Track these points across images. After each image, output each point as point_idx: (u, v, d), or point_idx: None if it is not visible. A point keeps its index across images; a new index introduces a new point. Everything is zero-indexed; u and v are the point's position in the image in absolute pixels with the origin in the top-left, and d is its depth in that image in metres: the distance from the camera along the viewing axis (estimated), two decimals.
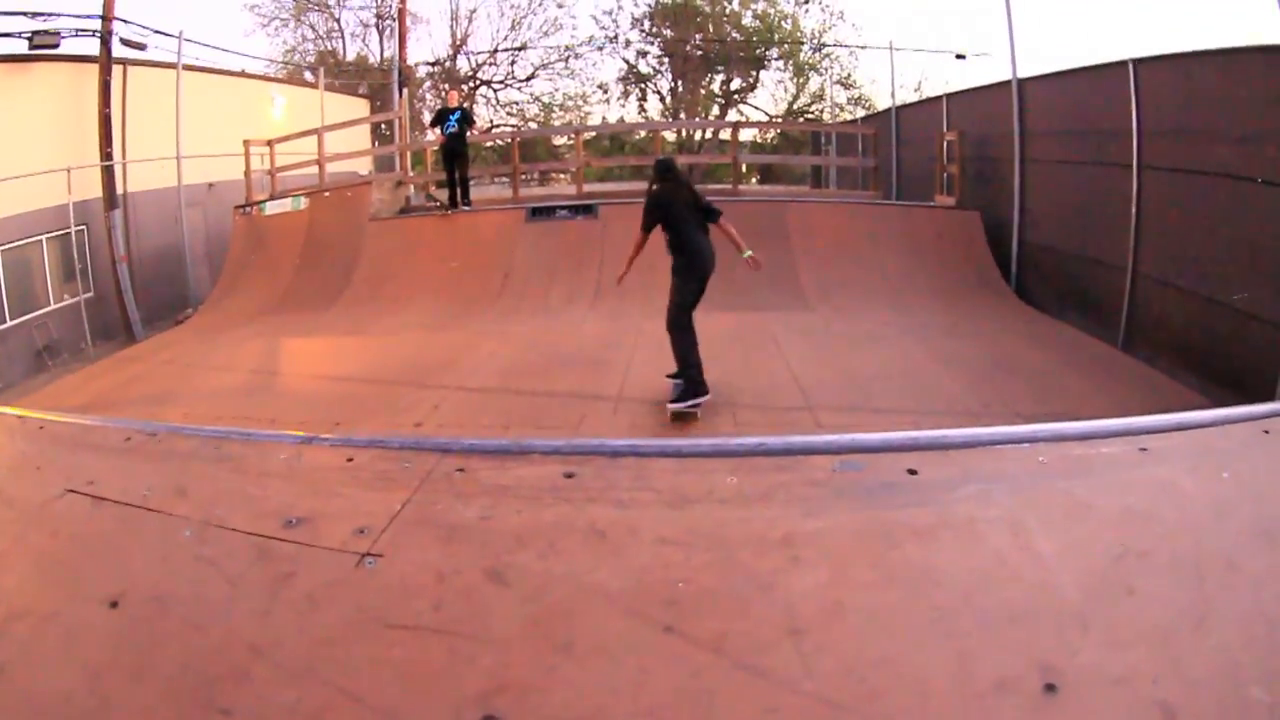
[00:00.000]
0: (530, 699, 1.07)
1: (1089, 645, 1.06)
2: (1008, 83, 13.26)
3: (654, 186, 7.00)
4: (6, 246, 15.14)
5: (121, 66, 17.68)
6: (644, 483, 1.45)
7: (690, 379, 6.64)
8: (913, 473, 1.39)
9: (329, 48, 38.45)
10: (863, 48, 32.84)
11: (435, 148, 15.24)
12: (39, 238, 15.90)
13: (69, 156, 16.05)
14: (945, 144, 14.93)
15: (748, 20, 36.06)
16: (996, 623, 1.08)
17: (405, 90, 25.87)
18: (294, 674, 1.10)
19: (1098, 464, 1.53)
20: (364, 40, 38.21)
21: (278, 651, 1.16)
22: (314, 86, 25.96)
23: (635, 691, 1.06)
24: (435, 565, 1.34)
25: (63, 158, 15.91)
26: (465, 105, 18.44)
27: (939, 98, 17.63)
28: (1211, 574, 1.20)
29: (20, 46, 15.93)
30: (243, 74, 24.45)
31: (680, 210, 6.79)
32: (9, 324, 15.16)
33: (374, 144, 27.38)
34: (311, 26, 38.40)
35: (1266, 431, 1.88)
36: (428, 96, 36.07)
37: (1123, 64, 10.10)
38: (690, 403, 6.58)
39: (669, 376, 6.93)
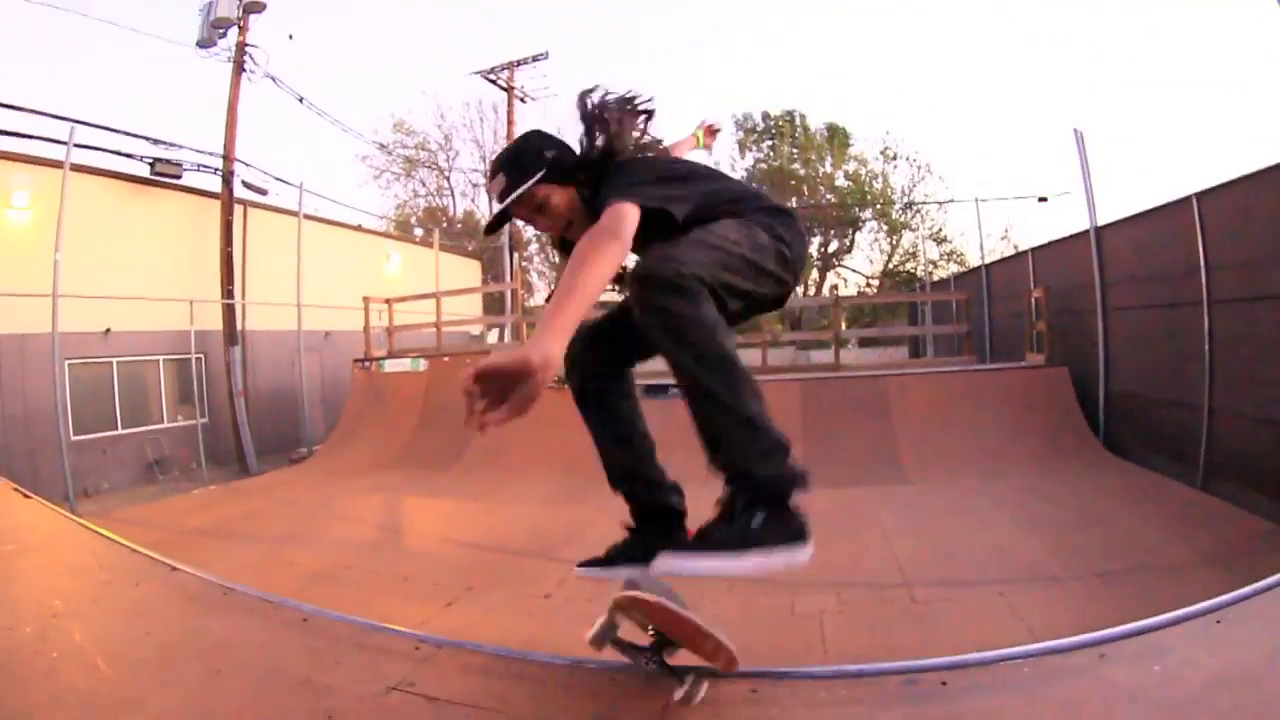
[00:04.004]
0: None
1: None
2: (1086, 232, 13.78)
3: None
4: (124, 359, 16.59)
5: (242, 206, 19.12)
6: (796, 694, 2.40)
7: None
8: (944, 684, 2.37)
9: (439, 204, 40.48)
10: (950, 201, 33.69)
11: None
12: (157, 358, 17.38)
13: (188, 282, 17.56)
14: (1033, 301, 15.34)
15: (840, 181, 37.37)
16: None
17: (515, 254, 27.41)
18: None
19: (1061, 670, 2.43)
20: (473, 199, 40.04)
21: None
22: (426, 244, 27.14)
23: None
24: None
25: (182, 282, 17.41)
26: None
27: (1024, 253, 18.25)
28: None
29: (141, 170, 17.49)
30: (359, 228, 25.90)
31: None
32: (121, 431, 16.55)
33: (485, 304, 28.68)
34: (422, 182, 40.55)
35: (1219, 621, 2.58)
36: (535, 258, 37.79)
37: (1186, 200, 10.48)
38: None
39: None
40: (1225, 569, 6.75)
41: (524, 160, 2.72)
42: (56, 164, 14.69)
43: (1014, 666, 2.46)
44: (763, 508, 2.35)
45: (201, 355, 18.18)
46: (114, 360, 16.76)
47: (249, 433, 18.45)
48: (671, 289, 2.23)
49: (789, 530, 2.38)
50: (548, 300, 2.24)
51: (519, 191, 2.67)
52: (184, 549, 8.41)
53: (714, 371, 2.29)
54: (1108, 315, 13.29)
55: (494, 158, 2.91)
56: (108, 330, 16.40)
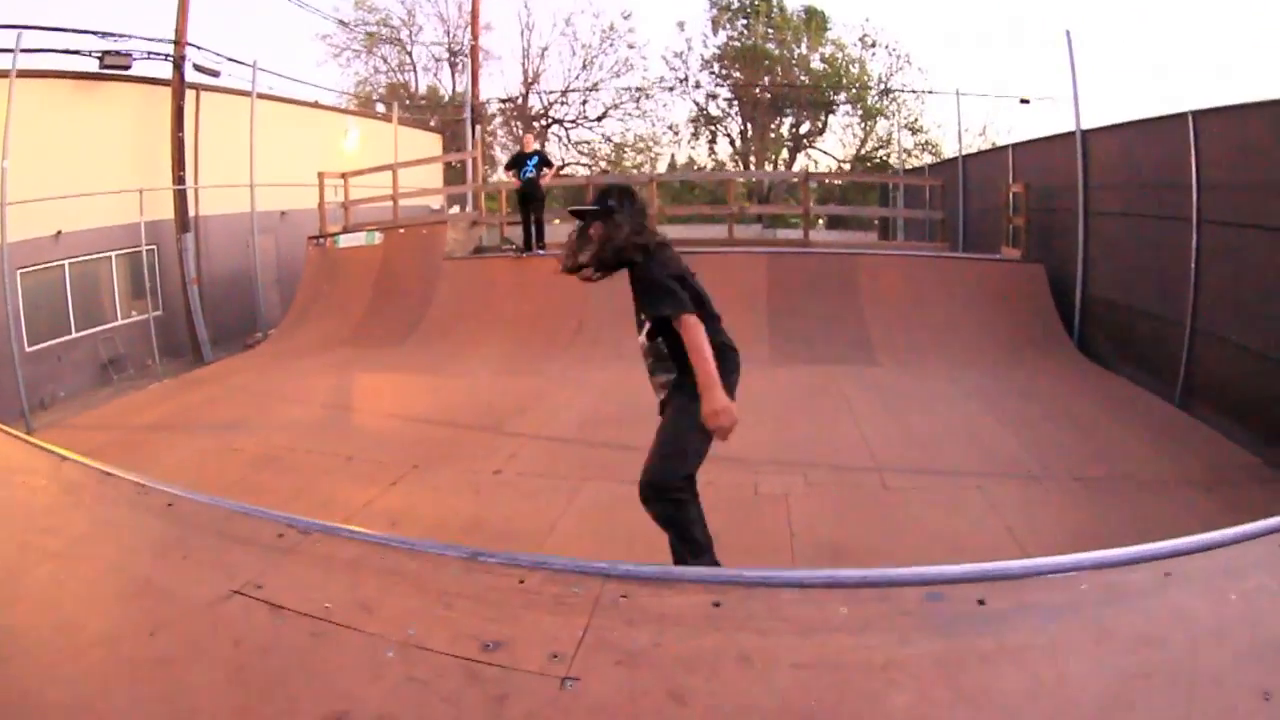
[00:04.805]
0: None
1: None
2: (1072, 134, 13.32)
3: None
4: (75, 260, 15.73)
5: (194, 91, 18.20)
6: (776, 613, 1.80)
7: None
8: (981, 603, 1.77)
9: (401, 80, 39.33)
10: (929, 92, 33.01)
11: (510, 189, 15.55)
12: (108, 254, 16.54)
13: (140, 175, 16.53)
14: (1012, 195, 14.97)
15: (816, 64, 36.46)
16: None
17: (478, 127, 26.52)
18: None
19: (1126, 591, 1.90)
20: (435, 74, 38.93)
21: None
22: (386, 119, 26.30)
23: None
24: (625, 687, 1.62)
25: (133, 176, 16.39)
26: (541, 148, 18.96)
27: (1005, 148, 17.66)
28: (1199, 691, 1.56)
29: (90, 65, 16.29)
30: (316, 105, 25.05)
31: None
32: (75, 335, 15.76)
33: (445, 179, 27.97)
34: (383, 58, 39.27)
35: None
36: (499, 133, 36.85)
37: (1182, 116, 10.08)
38: None
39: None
40: (1208, 492, 6.53)
41: (602, 200, 4.13)
42: (2, 74, 13.98)
43: (1068, 582, 1.86)
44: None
45: (154, 246, 17.40)
46: (65, 262, 15.81)
47: (203, 321, 17.78)
48: (666, 498, 3.78)
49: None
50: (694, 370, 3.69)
51: (584, 209, 4.22)
52: (130, 447, 8.42)
53: (686, 543, 3.78)
54: (1089, 218, 12.80)
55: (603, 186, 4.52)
56: (58, 233, 15.42)
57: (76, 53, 16.20)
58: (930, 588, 1.82)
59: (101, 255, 16.58)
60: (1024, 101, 23.85)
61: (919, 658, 1.64)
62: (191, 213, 18.12)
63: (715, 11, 37.31)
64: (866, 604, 1.81)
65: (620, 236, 3.98)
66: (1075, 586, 1.87)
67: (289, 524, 2.56)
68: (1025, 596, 1.81)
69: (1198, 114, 9.90)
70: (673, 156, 36.22)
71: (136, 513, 2.88)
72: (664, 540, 3.79)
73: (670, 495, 3.78)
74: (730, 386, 3.89)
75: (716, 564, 3.76)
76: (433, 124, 32.74)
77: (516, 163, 13.75)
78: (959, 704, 1.49)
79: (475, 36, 28.74)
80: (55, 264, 15.57)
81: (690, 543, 3.83)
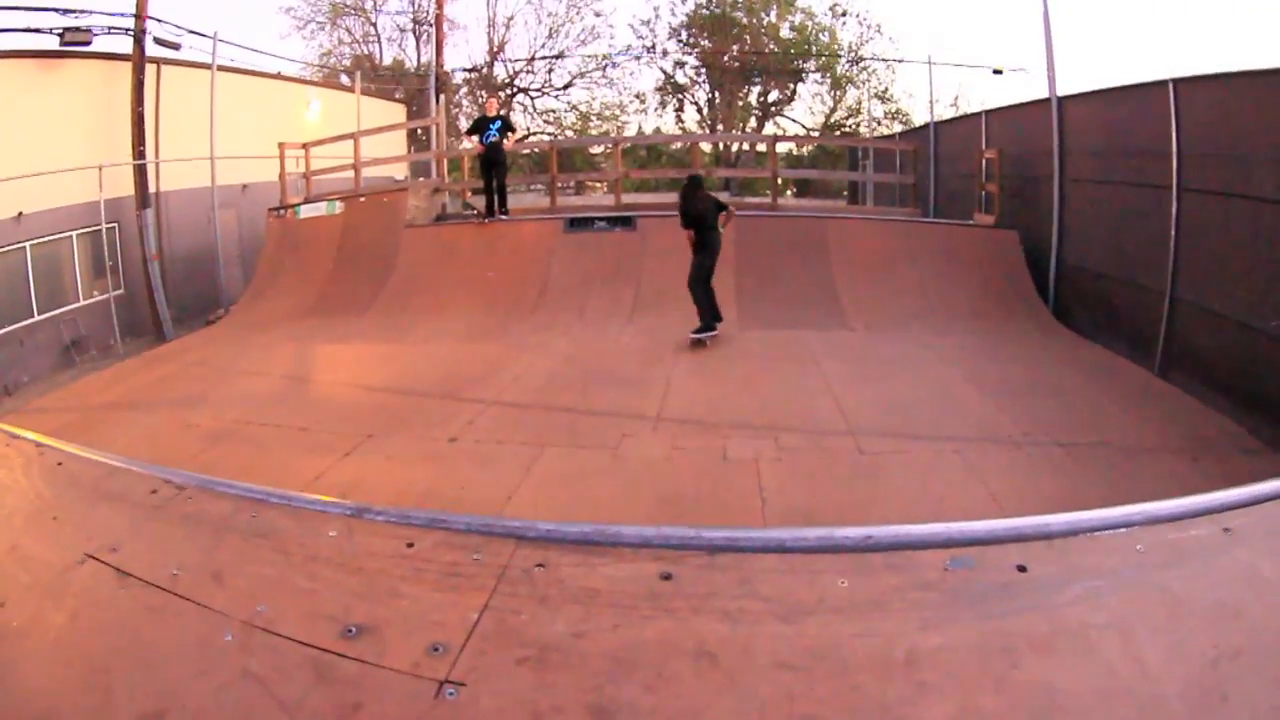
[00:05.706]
0: None
1: None
2: (1047, 100, 13.11)
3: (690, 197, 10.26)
4: (36, 241, 15.38)
5: (155, 65, 17.89)
6: (749, 588, 1.38)
7: (705, 319, 9.89)
8: (1022, 569, 1.39)
9: (365, 52, 38.69)
10: (900, 61, 32.74)
11: (473, 155, 15.21)
12: (69, 234, 16.16)
13: (100, 153, 16.21)
14: (985, 162, 14.73)
15: (785, 32, 36.06)
16: None
17: (442, 96, 25.98)
18: None
19: (1188, 550, 1.52)
20: (400, 45, 38.41)
21: None
22: (350, 90, 25.97)
23: None
24: (529, 699, 1.19)
25: (94, 154, 16.09)
26: (504, 113, 18.49)
27: (978, 114, 17.37)
28: None
29: (51, 43, 16.01)
30: (278, 76, 24.65)
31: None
32: (37, 318, 15.43)
33: (410, 149, 27.46)
34: (348, 30, 38.63)
35: None
36: (464, 103, 36.27)
37: (1163, 84, 9.94)
38: (705, 335, 9.78)
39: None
40: (1193, 460, 6.36)
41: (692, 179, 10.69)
42: None
43: (1121, 540, 1.46)
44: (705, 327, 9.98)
45: (114, 224, 16.81)
46: (27, 244, 15.36)
47: (164, 299, 17.31)
48: (695, 285, 10.00)
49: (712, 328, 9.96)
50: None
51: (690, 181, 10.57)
52: (86, 428, 8.16)
53: (700, 301, 9.97)
54: (1064, 185, 12.64)
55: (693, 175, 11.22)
56: (20, 214, 14.98)
57: (37, 31, 15.91)
58: (954, 551, 1.40)
59: (62, 235, 16.19)
60: (997, 72, 23.64)
61: (952, 648, 1.21)
62: (152, 188, 17.68)
63: None
64: (875, 574, 1.37)
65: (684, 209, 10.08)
66: (1130, 546, 1.48)
67: (166, 479, 2.23)
68: (1075, 560, 1.41)
69: (1179, 81, 9.75)
70: (640, 126, 35.69)
71: (29, 475, 2.62)
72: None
73: (698, 284, 9.84)
74: (715, 262, 10.04)
75: (713, 325, 9.96)
76: (398, 95, 32.23)
77: (479, 127, 13.41)
78: (1017, 713, 1.06)
79: (440, 5, 28.38)
80: (17, 246, 15.16)
81: (705, 302, 9.87)
